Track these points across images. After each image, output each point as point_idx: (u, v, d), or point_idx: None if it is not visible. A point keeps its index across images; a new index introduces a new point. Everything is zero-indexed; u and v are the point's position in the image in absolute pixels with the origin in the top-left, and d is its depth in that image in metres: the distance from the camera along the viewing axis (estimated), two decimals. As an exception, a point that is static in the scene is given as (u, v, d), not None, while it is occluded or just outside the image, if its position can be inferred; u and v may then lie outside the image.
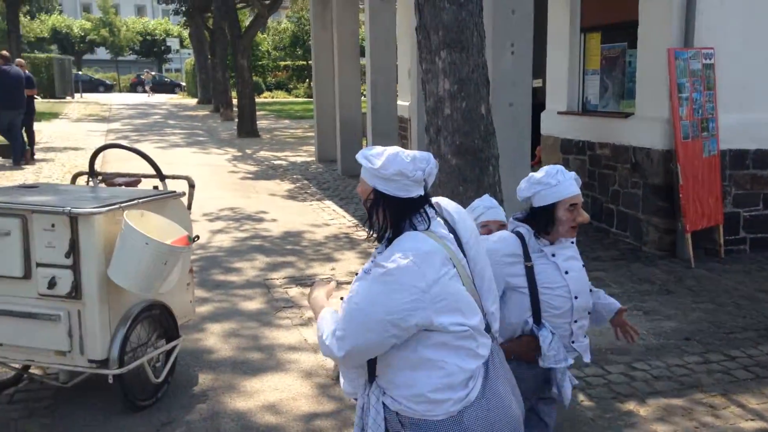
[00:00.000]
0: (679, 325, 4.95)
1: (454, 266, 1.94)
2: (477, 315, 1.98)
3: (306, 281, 5.92)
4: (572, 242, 2.61)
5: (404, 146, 13.07)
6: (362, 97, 12.49)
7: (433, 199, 2.10)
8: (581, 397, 3.90)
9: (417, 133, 8.13)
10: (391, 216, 1.98)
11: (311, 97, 19.40)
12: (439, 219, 2.04)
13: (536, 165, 8.93)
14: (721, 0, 6.36)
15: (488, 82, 4.94)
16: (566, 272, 2.53)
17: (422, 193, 1.99)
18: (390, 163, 1.95)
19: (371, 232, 2.05)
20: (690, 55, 6.26)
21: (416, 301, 1.85)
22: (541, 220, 2.53)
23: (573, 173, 2.58)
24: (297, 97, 38.22)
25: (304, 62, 39.11)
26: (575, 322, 2.56)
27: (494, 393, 1.99)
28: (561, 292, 2.51)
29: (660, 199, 6.67)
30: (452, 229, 2.05)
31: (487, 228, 2.75)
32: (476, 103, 4.86)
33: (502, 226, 2.78)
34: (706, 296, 5.55)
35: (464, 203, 4.84)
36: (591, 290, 2.69)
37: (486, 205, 2.84)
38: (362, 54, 12.50)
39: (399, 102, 12.40)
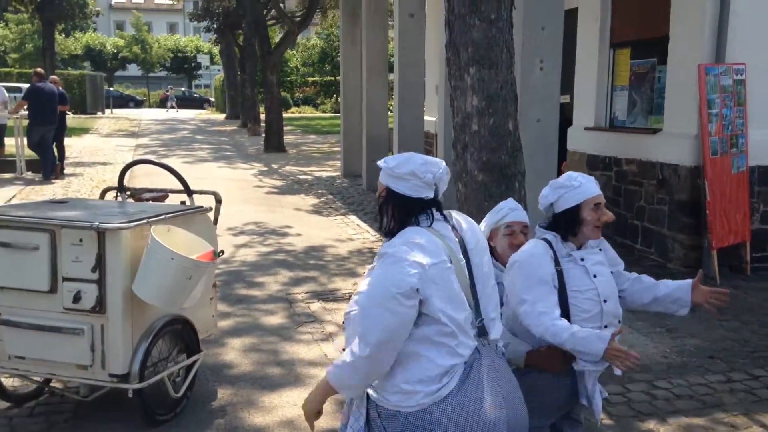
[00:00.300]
0: (702, 343, 4.85)
1: (452, 262, 2.08)
2: (464, 312, 2.08)
3: (328, 296, 5.92)
4: (600, 249, 2.65)
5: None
6: (389, 113, 12.52)
7: (446, 210, 2.25)
8: (601, 415, 3.82)
9: (444, 148, 8.12)
10: (398, 213, 2.16)
11: (338, 113, 19.53)
12: (446, 223, 2.19)
13: (563, 181, 8.84)
14: (754, 15, 6.27)
15: (516, 98, 4.92)
16: (595, 276, 2.56)
17: (432, 196, 2.18)
18: (404, 163, 2.16)
19: (382, 229, 2.22)
20: (721, 70, 6.16)
21: (418, 274, 1.99)
22: (567, 222, 2.58)
23: (592, 177, 2.63)
24: (324, 112, 38.52)
25: (332, 78, 39.44)
26: (605, 327, 2.55)
27: (469, 394, 2.04)
28: (590, 295, 2.52)
29: (686, 215, 6.55)
30: (459, 236, 2.18)
31: (511, 229, 2.81)
32: (504, 120, 4.84)
33: (525, 227, 2.85)
34: (731, 314, 5.43)
35: (489, 220, 4.84)
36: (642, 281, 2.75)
37: (510, 206, 2.88)
38: (390, 70, 12.56)
39: (426, 118, 12.41)
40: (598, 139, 8.09)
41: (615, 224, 7.74)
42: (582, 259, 2.57)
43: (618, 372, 2.51)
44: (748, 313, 5.47)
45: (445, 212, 2.23)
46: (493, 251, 2.79)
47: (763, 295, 5.87)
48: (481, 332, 2.13)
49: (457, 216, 2.28)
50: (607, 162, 7.89)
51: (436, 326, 2.04)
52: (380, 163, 2.21)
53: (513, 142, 4.89)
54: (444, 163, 2.24)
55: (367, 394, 2.14)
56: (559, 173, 8.57)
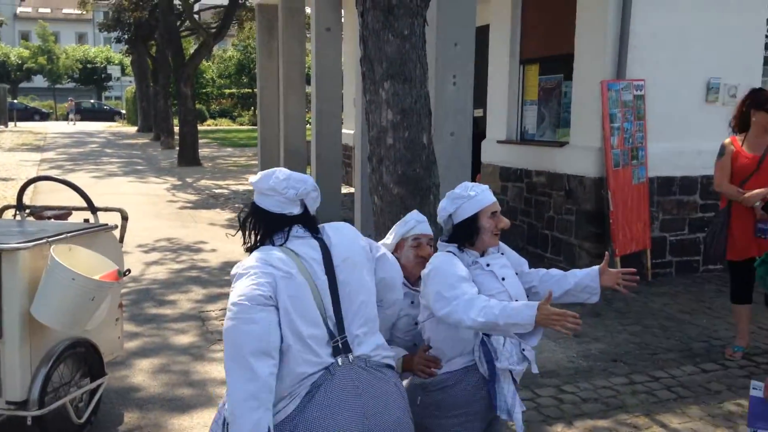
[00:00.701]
0: (606, 348, 5.06)
1: (306, 280, 2.10)
2: (316, 330, 2.08)
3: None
4: (501, 253, 2.72)
5: (349, 174, 13.11)
6: (307, 125, 12.49)
7: (326, 224, 2.32)
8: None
9: (361, 161, 8.15)
10: (259, 229, 2.22)
11: (255, 125, 19.29)
12: (312, 240, 2.21)
13: (478, 193, 9.05)
14: (653, 34, 6.63)
15: (430, 112, 5.00)
16: (503, 278, 2.63)
17: (297, 212, 2.22)
18: (265, 178, 2.21)
19: (243, 244, 2.25)
20: (622, 86, 6.48)
21: (269, 283, 2.04)
22: (466, 232, 2.63)
23: (486, 186, 2.71)
24: (241, 124, 37.96)
25: (250, 90, 38.95)
26: None
27: (310, 417, 2.03)
28: (502, 297, 2.56)
29: (592, 224, 6.84)
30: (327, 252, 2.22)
31: (418, 241, 2.83)
32: (418, 133, 4.91)
33: (431, 240, 2.88)
34: (634, 318, 5.70)
35: (405, 232, 4.88)
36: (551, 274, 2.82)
37: (417, 219, 2.91)
38: (308, 82, 12.53)
39: (344, 130, 12.44)
40: (510, 151, 8.33)
41: (526, 234, 7.98)
42: (488, 265, 2.64)
43: (535, 369, 2.61)
44: (650, 317, 5.75)
45: (320, 226, 2.27)
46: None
47: (662, 300, 6.19)
48: (344, 349, 2.13)
49: (331, 231, 2.30)
50: (518, 174, 8.13)
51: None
52: (250, 178, 2.28)
53: (427, 155, 4.96)
54: (312, 180, 2.28)
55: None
56: (474, 185, 8.77)
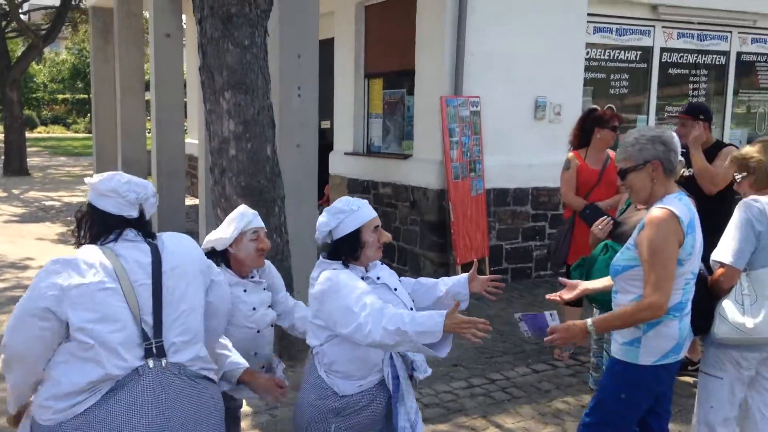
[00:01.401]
0: (448, 353, 5.26)
1: (120, 282, 2.13)
2: (121, 332, 2.11)
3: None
4: (382, 265, 2.77)
5: (194, 185, 12.68)
6: (147, 134, 11.94)
7: (167, 233, 2.39)
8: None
9: (205, 172, 7.92)
10: (95, 228, 2.27)
11: (91, 133, 18.17)
12: (143, 244, 2.26)
13: (324, 204, 9.12)
14: (486, 54, 7.04)
15: (274, 123, 4.97)
16: (395, 289, 2.68)
17: (135, 215, 2.29)
18: (107, 180, 2.27)
19: (74, 243, 2.31)
20: (459, 102, 6.82)
21: (54, 296, 2.07)
22: (349, 247, 2.62)
23: (366, 200, 2.74)
24: (77, 132, 35.53)
25: (85, 96, 36.54)
26: None
27: (108, 414, 2.06)
28: (400, 308, 2.59)
29: (434, 234, 7.13)
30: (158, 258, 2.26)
31: (257, 234, 2.83)
32: (262, 145, 4.86)
33: (266, 232, 2.92)
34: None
35: (249, 245, 4.79)
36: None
37: (252, 212, 2.90)
38: (147, 89, 11.99)
39: (188, 140, 12.04)
40: (357, 163, 8.48)
41: (374, 244, 8.14)
42: (378, 278, 2.67)
43: (428, 372, 2.67)
44: (488, 321, 6.06)
45: (158, 234, 2.34)
46: (230, 260, 2.81)
47: (499, 305, 6.56)
48: (158, 353, 2.15)
49: (168, 239, 2.34)
50: (365, 185, 8.29)
51: (76, 343, 2.08)
52: (87, 179, 2.33)
53: (272, 167, 4.92)
54: (152, 185, 2.36)
55: None
56: (321, 196, 8.82)
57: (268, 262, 2.98)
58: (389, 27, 8.03)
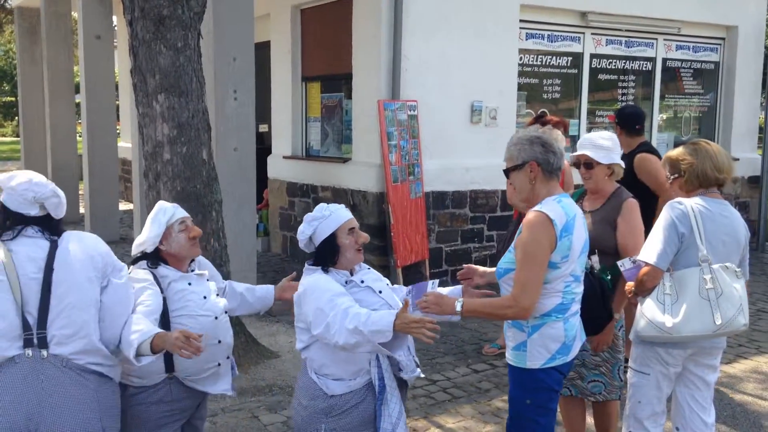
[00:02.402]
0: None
1: (7, 275, 2.32)
2: (2, 322, 2.31)
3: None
4: (369, 268, 2.81)
5: (128, 190, 12.36)
6: (78, 138, 11.59)
7: (77, 232, 2.55)
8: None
9: (139, 176, 7.74)
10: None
11: (19, 137, 17.47)
12: (42, 240, 2.43)
13: (263, 208, 9.03)
14: (421, 59, 7.12)
15: (209, 127, 4.90)
16: (380, 291, 2.72)
17: (35, 213, 2.45)
18: (11, 178, 2.45)
19: None
20: (397, 106, 6.88)
21: None
22: (328, 252, 2.69)
23: (342, 204, 2.82)
24: (4, 135, 34.15)
25: (13, 98, 35.12)
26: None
27: None
28: (384, 309, 2.62)
29: (375, 237, 7.15)
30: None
31: (185, 224, 2.82)
32: (197, 149, 4.79)
33: (192, 220, 2.92)
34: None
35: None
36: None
37: (172, 205, 2.90)
38: (77, 92, 11.62)
39: (121, 144, 11.73)
40: (296, 167, 8.44)
41: (314, 248, 8.11)
42: (362, 281, 2.71)
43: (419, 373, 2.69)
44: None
45: (66, 233, 2.51)
46: (160, 254, 2.77)
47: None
48: (39, 344, 2.34)
49: (71, 237, 2.51)
50: (305, 189, 8.25)
51: None
52: None
53: (208, 171, 4.86)
54: (52, 186, 2.51)
55: None
56: (261, 200, 8.74)
57: (200, 257, 2.96)
58: (326, 30, 8.03)
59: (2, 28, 24.11)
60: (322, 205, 2.79)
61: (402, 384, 2.75)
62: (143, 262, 2.76)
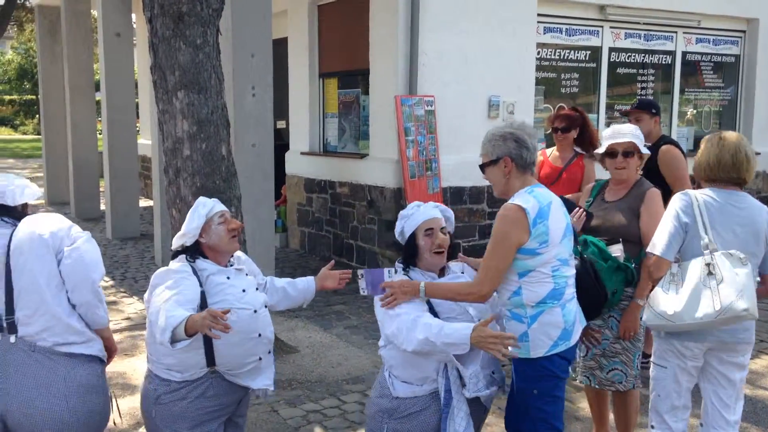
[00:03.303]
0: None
1: None
2: None
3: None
4: (461, 273, 2.82)
5: (148, 187, 12.48)
6: (99, 135, 11.71)
7: (38, 215, 2.70)
8: (318, 429, 3.99)
9: (159, 173, 7.81)
10: None
11: (40, 134, 17.70)
12: (4, 229, 2.62)
13: (281, 204, 9.08)
14: (439, 54, 7.11)
15: (228, 123, 4.93)
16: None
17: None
18: None
19: None
20: (414, 102, 6.88)
21: None
22: (407, 252, 2.76)
23: (432, 202, 2.83)
24: (25, 134, 34.58)
25: (33, 97, 35.57)
26: None
27: None
28: (464, 318, 2.65)
29: (392, 233, 7.11)
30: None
31: (224, 217, 2.82)
32: (216, 144, 4.82)
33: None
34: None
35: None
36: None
37: (212, 199, 2.91)
38: (98, 89, 11.75)
39: (141, 141, 11.84)
40: (314, 163, 8.47)
41: (332, 243, 8.15)
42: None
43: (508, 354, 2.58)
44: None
45: (26, 217, 2.67)
46: (200, 247, 2.79)
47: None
48: (9, 329, 2.52)
49: (26, 220, 2.66)
50: (322, 185, 8.29)
51: None
52: None
53: (227, 167, 4.89)
54: (13, 178, 2.77)
55: None
56: (279, 196, 8.79)
57: (239, 252, 2.97)
58: (343, 27, 8.04)
59: (23, 27, 24.45)
60: (415, 202, 2.84)
61: (479, 403, 2.68)
62: (182, 256, 2.78)
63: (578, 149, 5.04)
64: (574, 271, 2.81)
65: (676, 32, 8.79)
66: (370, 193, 7.44)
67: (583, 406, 4.28)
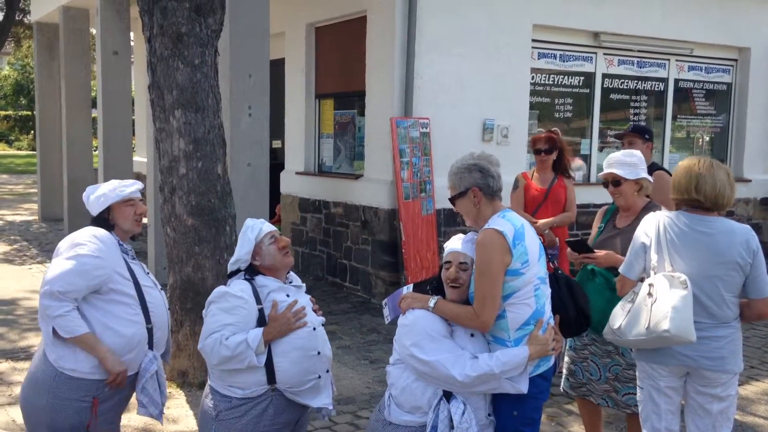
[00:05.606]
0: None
1: None
2: None
3: (19, 354, 5.25)
4: (472, 335, 2.84)
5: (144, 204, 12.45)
6: (94, 152, 11.73)
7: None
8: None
9: (154, 191, 7.82)
10: None
11: (35, 150, 17.72)
12: None
13: (276, 223, 9.09)
14: (434, 77, 7.18)
15: (224, 142, 4.97)
16: (472, 335, 2.77)
17: None
18: None
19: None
20: (409, 124, 6.93)
21: None
22: (435, 285, 2.86)
23: (472, 233, 2.88)
24: (20, 149, 34.54)
25: (29, 113, 35.59)
26: None
27: None
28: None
29: (386, 254, 7.18)
30: None
31: (274, 238, 2.87)
32: (213, 163, 4.85)
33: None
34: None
35: (200, 264, 4.77)
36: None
37: (258, 220, 2.94)
38: (94, 106, 11.78)
39: (136, 158, 11.86)
40: (308, 183, 8.50)
41: (325, 264, 8.15)
42: None
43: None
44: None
45: None
46: (257, 269, 2.82)
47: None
48: None
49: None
50: (317, 205, 8.31)
51: None
52: None
53: (222, 186, 4.92)
54: None
55: None
56: (273, 215, 8.80)
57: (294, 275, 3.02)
58: (339, 49, 8.12)
59: (20, 43, 24.55)
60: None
61: None
62: (241, 273, 2.81)
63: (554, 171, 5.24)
64: (550, 291, 2.86)
65: (668, 59, 8.91)
66: (365, 214, 7.46)
67: (575, 430, 4.28)
